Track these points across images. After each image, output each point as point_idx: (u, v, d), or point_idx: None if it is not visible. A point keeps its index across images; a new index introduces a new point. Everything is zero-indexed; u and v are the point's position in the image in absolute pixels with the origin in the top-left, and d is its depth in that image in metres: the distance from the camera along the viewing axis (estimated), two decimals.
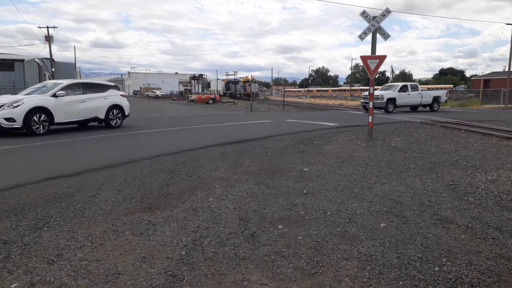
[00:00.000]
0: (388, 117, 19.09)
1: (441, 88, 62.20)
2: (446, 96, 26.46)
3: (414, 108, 25.72)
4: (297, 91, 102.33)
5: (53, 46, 43.34)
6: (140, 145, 10.08)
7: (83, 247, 3.53)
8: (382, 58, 10.41)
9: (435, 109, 25.48)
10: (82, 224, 4.12)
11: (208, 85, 65.85)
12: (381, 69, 10.19)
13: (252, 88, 36.37)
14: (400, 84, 24.83)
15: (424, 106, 25.37)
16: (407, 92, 24.10)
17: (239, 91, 58.17)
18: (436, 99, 25.60)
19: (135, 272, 3.06)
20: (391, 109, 23.40)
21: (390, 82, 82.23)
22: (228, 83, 66.41)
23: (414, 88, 24.82)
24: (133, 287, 2.84)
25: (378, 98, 22.79)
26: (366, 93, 25.47)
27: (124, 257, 3.33)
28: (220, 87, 68.96)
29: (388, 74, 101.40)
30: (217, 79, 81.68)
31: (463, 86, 72.82)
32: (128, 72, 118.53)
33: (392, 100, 23.46)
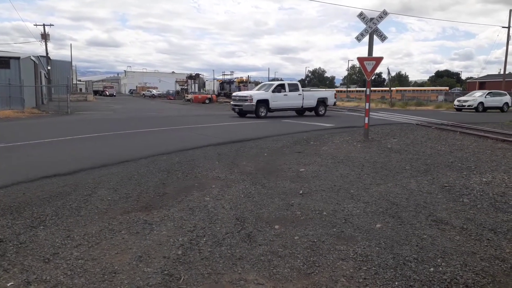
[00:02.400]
0: (384, 119, 19.16)
1: (437, 90, 62.09)
2: (335, 97, 22.75)
3: (298, 112, 21.68)
4: None
5: (49, 44, 43.13)
6: (136, 144, 10.05)
7: (79, 246, 3.53)
8: (378, 60, 10.45)
9: (321, 113, 21.18)
10: (78, 223, 4.11)
11: (203, 85, 65.85)
12: (377, 70, 10.20)
13: (249, 88, 36.36)
14: (276, 83, 20.89)
15: (310, 109, 21.23)
16: (283, 93, 19.97)
17: (233, 91, 58.52)
18: (322, 102, 21.42)
19: (131, 271, 3.06)
20: (263, 113, 19.37)
21: (386, 84, 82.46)
22: (222, 83, 66.64)
23: (293, 88, 20.56)
24: (129, 286, 2.84)
25: (246, 100, 19.45)
26: (237, 93, 22.39)
27: (120, 256, 3.33)
28: (216, 87, 69.02)
29: (384, 75, 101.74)
30: (213, 79, 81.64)
31: (458, 88, 73.16)
32: (125, 71, 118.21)
33: (263, 102, 19.42)
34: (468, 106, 27.78)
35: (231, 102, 21.51)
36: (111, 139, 10.93)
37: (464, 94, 46.49)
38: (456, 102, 29.65)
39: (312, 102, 21.03)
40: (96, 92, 72.26)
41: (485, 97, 28.14)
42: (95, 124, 15.18)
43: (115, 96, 74.14)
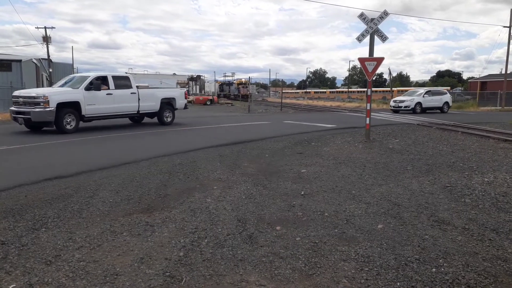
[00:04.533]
0: (385, 119, 19.15)
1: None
2: (186, 97, 16.90)
3: (134, 120, 15.85)
4: (295, 92, 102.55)
5: (50, 47, 43.15)
6: (139, 146, 10.07)
7: (81, 248, 3.53)
8: (379, 60, 10.45)
9: (167, 120, 15.63)
10: (80, 225, 4.12)
11: (203, 86, 66.02)
12: (378, 71, 10.25)
13: (250, 89, 36.44)
14: (92, 75, 13.38)
15: (151, 115, 15.44)
16: (106, 91, 13.34)
17: (233, 93, 59.38)
18: (168, 104, 15.76)
19: (133, 273, 3.06)
20: (72, 125, 12.25)
21: (387, 84, 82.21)
22: (222, 85, 67.27)
23: (123, 83, 14.02)
24: None
25: (37, 103, 11.85)
26: (20, 92, 13.16)
27: (122, 258, 3.34)
28: (215, 88, 69.40)
29: (385, 76, 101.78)
30: (215, 81, 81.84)
31: (460, 88, 73.14)
32: (126, 73, 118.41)
33: (71, 107, 12.28)
34: (405, 107, 25.08)
35: (12, 108, 12.76)
36: (111, 141, 10.94)
37: (465, 94, 44.47)
38: (392, 103, 26.80)
39: (154, 105, 15.01)
40: None
41: (423, 96, 25.65)
42: (96, 127, 15.20)
43: None
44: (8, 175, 6.39)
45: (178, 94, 16.41)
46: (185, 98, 16.79)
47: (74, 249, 3.52)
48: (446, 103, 26.68)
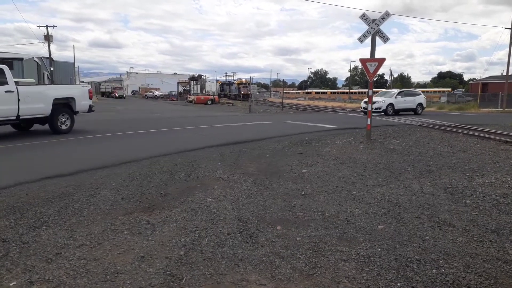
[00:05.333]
0: (386, 120, 19.13)
1: (440, 92, 60.90)
2: (90, 97, 12.98)
3: (19, 127, 12.42)
4: (296, 92, 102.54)
5: (52, 45, 43.20)
6: (139, 145, 10.07)
7: (82, 246, 3.54)
8: (381, 61, 10.45)
9: (63, 127, 11.84)
10: (80, 223, 4.13)
11: (204, 86, 66.20)
12: (380, 71, 10.22)
13: (251, 89, 36.44)
14: None
15: (41, 121, 11.75)
16: None
17: (233, 92, 60.11)
18: (64, 107, 12.00)
19: (134, 271, 3.07)
20: None
21: (388, 85, 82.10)
22: (222, 85, 67.89)
23: None
24: (132, 286, 2.85)
25: None
26: None
27: (123, 256, 3.34)
28: (216, 88, 69.69)
29: (387, 77, 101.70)
30: (216, 80, 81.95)
31: (461, 89, 73.02)
32: (127, 72, 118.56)
33: None
34: (376, 108, 22.45)
35: None
36: (113, 140, 10.95)
37: (466, 95, 43.78)
38: (362, 104, 24.49)
39: (43, 108, 11.21)
40: (103, 94, 71.94)
41: (396, 97, 23.84)
42: (97, 125, 15.21)
43: (124, 98, 67.25)
44: None
45: (78, 93, 12.35)
46: (90, 98, 12.88)
47: (75, 247, 3.52)
48: (420, 104, 25.07)
